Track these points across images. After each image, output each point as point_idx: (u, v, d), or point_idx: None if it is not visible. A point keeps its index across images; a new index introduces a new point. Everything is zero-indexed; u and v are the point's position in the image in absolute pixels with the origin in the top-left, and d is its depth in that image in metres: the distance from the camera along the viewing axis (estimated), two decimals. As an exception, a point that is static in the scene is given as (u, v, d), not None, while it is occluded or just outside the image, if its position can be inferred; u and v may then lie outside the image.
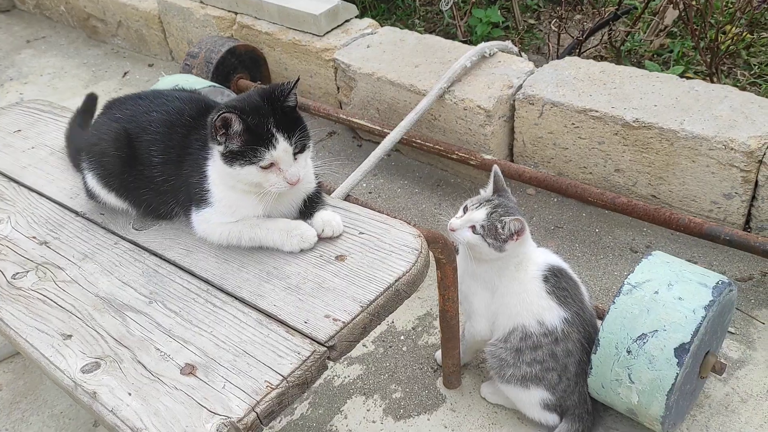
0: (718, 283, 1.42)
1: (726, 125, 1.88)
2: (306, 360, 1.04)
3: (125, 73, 3.41)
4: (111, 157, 1.37)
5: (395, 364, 1.82)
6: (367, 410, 1.71)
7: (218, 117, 1.14)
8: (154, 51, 3.48)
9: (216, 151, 1.22)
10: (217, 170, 1.25)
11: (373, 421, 1.68)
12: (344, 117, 2.50)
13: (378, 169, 2.54)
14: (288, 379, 1.02)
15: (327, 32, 2.71)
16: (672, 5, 2.56)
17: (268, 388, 1.01)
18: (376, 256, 1.23)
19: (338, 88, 2.66)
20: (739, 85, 2.50)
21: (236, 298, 1.19)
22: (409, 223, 1.31)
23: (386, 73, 2.43)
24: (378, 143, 2.17)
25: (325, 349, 1.07)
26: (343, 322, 1.10)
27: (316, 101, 2.68)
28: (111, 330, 1.16)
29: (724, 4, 2.61)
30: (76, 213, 1.52)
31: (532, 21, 3.23)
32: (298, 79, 1.27)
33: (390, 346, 1.87)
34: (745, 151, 1.81)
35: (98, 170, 1.41)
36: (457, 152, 2.23)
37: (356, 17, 2.81)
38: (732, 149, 1.83)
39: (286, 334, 1.10)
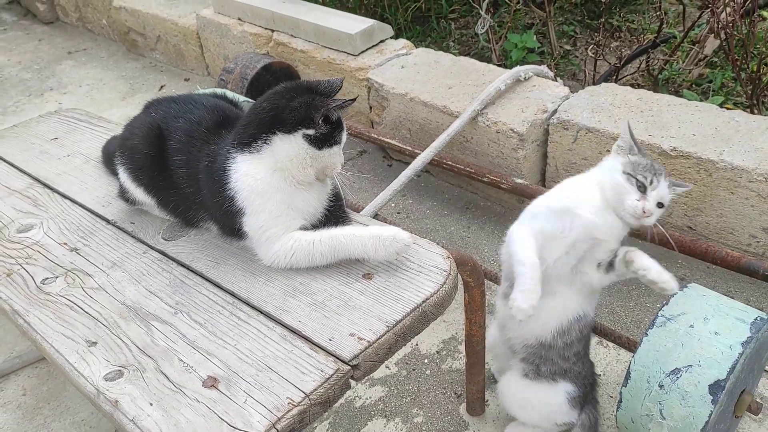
0: (756, 319, 1.37)
1: (767, 157, 1.83)
2: (329, 378, 1.02)
3: (161, 87, 3.47)
4: (141, 153, 1.39)
5: (418, 388, 1.79)
6: (388, 433, 1.68)
7: (323, 107, 1.20)
8: (191, 66, 3.54)
9: (308, 139, 1.22)
10: (275, 161, 1.23)
11: (394, 445, 1.65)
12: (375, 136, 2.49)
13: (407, 189, 2.53)
14: (310, 396, 1.00)
15: (362, 52, 2.72)
16: (713, 35, 2.52)
17: (290, 405, 0.99)
18: (403, 275, 1.21)
19: (371, 108, 2.66)
20: (780, 118, 2.45)
21: (261, 312, 1.18)
22: (438, 244, 1.29)
23: (419, 93, 2.42)
24: (408, 163, 2.16)
25: (349, 367, 1.05)
26: (368, 341, 1.08)
27: (348, 120, 2.69)
28: (136, 339, 1.16)
29: (767, 34, 2.56)
30: (107, 221, 1.53)
31: (568, 47, 3.21)
32: (343, 78, 1.32)
33: (413, 369, 1.84)
34: (787, 184, 1.77)
35: (129, 164, 1.44)
36: (488, 175, 2.21)
37: (391, 38, 2.82)
38: (773, 182, 1.79)
39: (310, 351, 1.08)
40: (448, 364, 1.84)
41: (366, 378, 1.81)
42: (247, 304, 1.21)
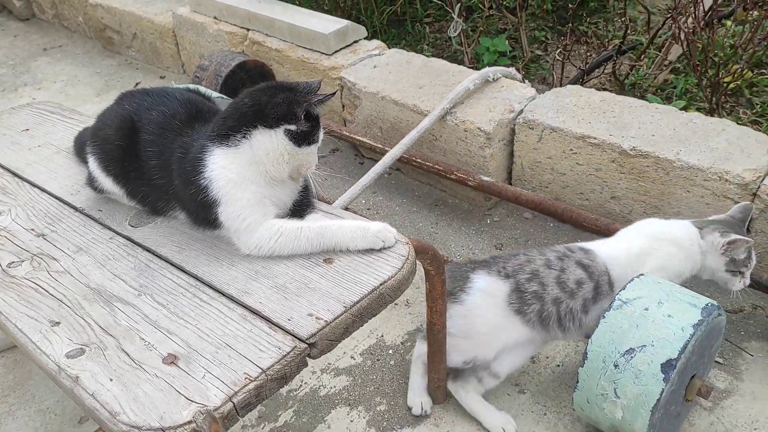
0: (707, 305, 1.43)
1: (722, 157, 1.90)
2: (286, 355, 1.06)
3: (137, 84, 3.47)
4: (113, 144, 1.41)
5: (382, 377, 1.82)
6: (351, 421, 1.71)
7: (306, 102, 1.25)
8: (167, 63, 3.55)
9: (290, 134, 1.25)
10: (252, 155, 1.26)
11: (356, 432, 1.69)
12: (347, 134, 2.53)
13: (378, 186, 2.57)
14: (267, 372, 1.03)
15: (335, 51, 2.76)
16: (676, 42, 2.60)
17: (247, 380, 1.02)
18: (363, 260, 1.25)
19: (343, 106, 2.70)
20: (740, 122, 2.52)
21: (223, 294, 1.21)
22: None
23: (390, 92, 2.47)
24: (389, 164, 2.20)
25: (306, 345, 1.09)
26: (326, 321, 1.11)
27: (322, 118, 2.71)
28: (98, 319, 1.18)
29: (725, 41, 2.65)
30: (75, 208, 1.55)
31: (539, 52, 3.28)
32: (321, 80, 1.39)
33: (378, 359, 1.88)
34: (740, 183, 1.83)
35: (100, 155, 1.46)
36: (455, 173, 2.26)
37: (365, 39, 2.86)
38: (727, 181, 1.85)
39: (268, 330, 1.11)
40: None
41: (330, 368, 1.85)
42: (210, 286, 1.24)
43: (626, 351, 1.41)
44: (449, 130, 2.32)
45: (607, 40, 2.99)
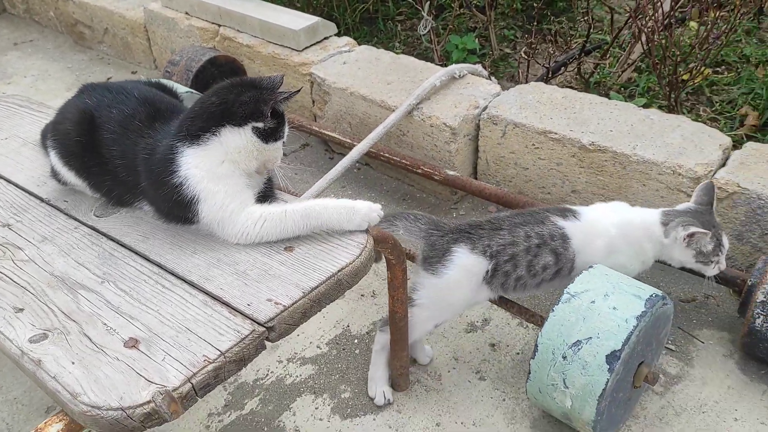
0: (651, 295, 1.48)
1: (676, 152, 1.97)
2: (244, 338, 1.09)
3: (108, 79, 3.47)
4: (72, 140, 1.43)
5: (347, 366, 1.86)
6: (316, 408, 1.75)
7: (272, 100, 1.28)
8: (138, 59, 3.55)
9: (257, 132, 1.29)
10: (224, 153, 1.29)
11: (320, 419, 1.72)
12: (317, 129, 2.57)
13: (347, 181, 2.60)
14: (226, 354, 1.07)
15: (306, 47, 2.80)
16: (637, 41, 2.67)
17: (206, 361, 1.05)
18: (322, 248, 1.29)
19: (313, 102, 2.73)
20: (700, 119, 2.60)
21: (185, 281, 1.24)
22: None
23: (359, 88, 2.51)
24: (357, 159, 2.24)
25: (264, 329, 1.12)
26: (284, 306, 1.15)
27: (292, 113, 2.75)
28: (62, 305, 1.21)
29: (682, 41, 2.73)
30: (41, 199, 1.56)
31: (508, 50, 3.34)
32: (283, 75, 1.42)
33: (344, 349, 1.92)
34: (692, 177, 1.90)
35: (60, 149, 1.47)
36: (422, 167, 2.30)
37: (335, 35, 2.90)
38: (680, 174, 1.92)
39: (228, 315, 1.15)
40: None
41: (296, 358, 1.88)
42: (173, 273, 1.27)
43: (574, 343, 1.46)
44: (416, 125, 2.37)
45: (569, 39, 3.05)
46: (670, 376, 1.76)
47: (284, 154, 1.40)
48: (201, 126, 1.30)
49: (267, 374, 1.85)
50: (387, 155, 2.38)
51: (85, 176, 1.48)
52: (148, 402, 0.99)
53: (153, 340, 1.11)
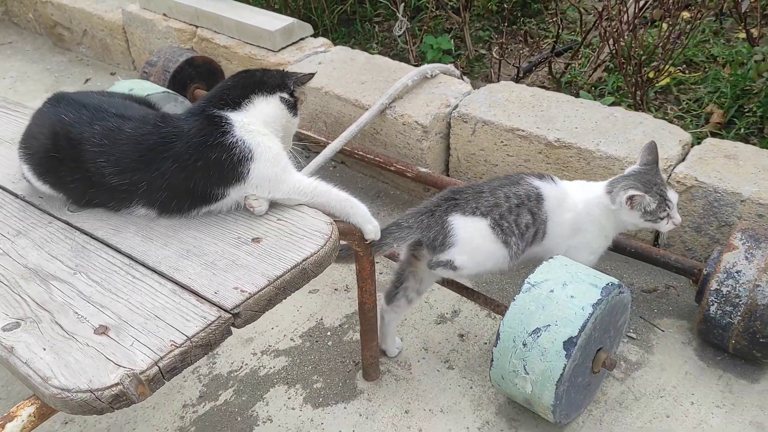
0: (607, 284, 1.55)
1: (638, 148, 2.03)
2: (210, 324, 1.14)
3: (87, 80, 3.50)
4: (48, 155, 1.44)
5: (320, 357, 1.91)
6: (288, 398, 1.80)
7: (307, 78, 1.56)
8: (117, 60, 3.58)
9: (284, 101, 1.53)
10: (258, 115, 1.47)
11: (293, 408, 1.77)
12: (299, 123, 2.61)
13: (322, 178, 2.64)
14: (192, 339, 1.12)
15: (282, 48, 2.84)
16: (605, 42, 2.74)
17: (173, 346, 1.10)
18: (289, 239, 1.34)
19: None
20: (666, 117, 2.68)
21: (155, 272, 1.29)
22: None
23: (333, 88, 2.56)
24: (330, 156, 2.29)
25: (230, 315, 1.17)
26: (250, 293, 1.20)
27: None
28: (35, 296, 1.25)
29: (645, 41, 2.80)
30: (16, 195, 1.59)
31: (483, 51, 3.40)
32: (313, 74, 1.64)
33: (317, 341, 1.96)
34: (652, 171, 1.97)
35: (33, 164, 1.49)
36: (394, 164, 2.36)
37: (311, 36, 2.95)
38: (641, 169, 1.99)
39: (196, 302, 1.19)
40: (349, 336, 1.97)
41: (270, 350, 1.93)
42: (143, 264, 1.31)
43: (533, 331, 1.52)
44: (389, 124, 2.43)
45: (539, 39, 3.12)
46: (631, 363, 1.83)
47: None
48: (239, 94, 1.47)
49: (241, 366, 1.90)
50: (361, 153, 2.43)
51: (62, 189, 1.50)
52: (116, 384, 1.04)
53: (122, 327, 1.15)
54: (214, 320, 1.15)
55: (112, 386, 1.03)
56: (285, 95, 1.52)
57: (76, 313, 1.19)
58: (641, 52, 2.50)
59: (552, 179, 1.74)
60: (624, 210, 1.67)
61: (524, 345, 1.53)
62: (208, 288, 1.22)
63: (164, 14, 3.22)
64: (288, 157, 1.50)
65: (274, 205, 1.46)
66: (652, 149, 1.74)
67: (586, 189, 1.76)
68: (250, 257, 1.30)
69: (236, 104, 1.45)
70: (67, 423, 1.76)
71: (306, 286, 2.10)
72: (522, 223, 1.69)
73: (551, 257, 1.64)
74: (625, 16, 2.55)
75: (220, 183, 1.41)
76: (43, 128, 1.47)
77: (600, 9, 2.60)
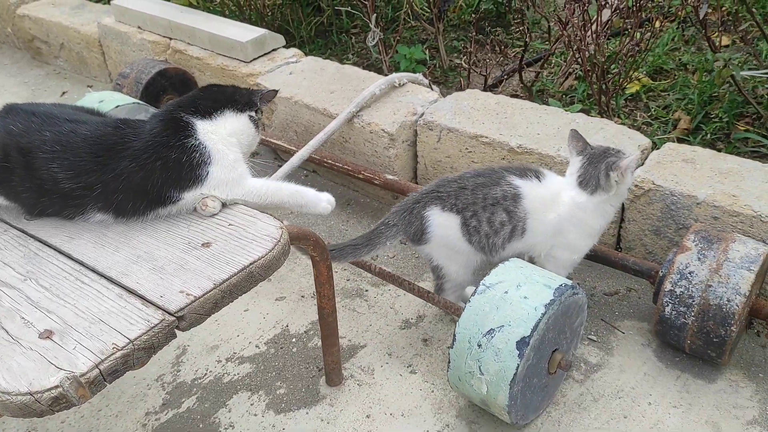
0: (560, 285, 1.57)
1: (597, 153, 2.06)
2: (153, 327, 1.15)
3: (63, 93, 3.52)
4: (0, 168, 1.43)
5: (284, 364, 1.92)
6: (251, 404, 1.81)
7: (271, 96, 1.66)
8: (94, 73, 3.60)
9: (251, 119, 1.61)
10: (225, 127, 1.54)
11: (255, 414, 1.78)
12: (264, 137, 2.63)
13: (293, 188, 2.67)
14: (134, 342, 1.13)
15: (254, 59, 2.87)
16: (570, 51, 2.78)
17: (114, 349, 1.11)
18: (238, 243, 1.35)
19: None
20: (635, 124, 2.71)
21: (104, 277, 1.30)
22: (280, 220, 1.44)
23: (303, 97, 2.58)
24: (298, 165, 2.31)
25: (174, 318, 1.18)
26: (195, 297, 1.21)
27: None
28: (-17, 302, 1.26)
29: (607, 48, 2.84)
30: (-26, 206, 1.60)
31: (458, 61, 3.44)
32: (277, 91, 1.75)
33: (281, 348, 1.97)
34: (612, 175, 2.00)
35: None
36: (363, 172, 2.38)
37: (283, 47, 2.98)
38: (600, 173, 2.01)
39: (141, 306, 1.21)
40: (314, 342, 1.98)
41: (234, 356, 1.94)
42: (93, 270, 1.32)
43: (487, 331, 1.54)
44: (357, 132, 2.45)
45: (506, 47, 3.16)
46: (591, 364, 1.84)
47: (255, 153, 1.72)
48: (210, 105, 1.54)
49: (205, 373, 1.91)
50: (330, 161, 2.46)
51: (15, 200, 1.50)
52: (56, 387, 1.04)
53: (67, 331, 1.16)
54: (158, 323, 1.16)
55: (51, 389, 1.04)
56: (253, 113, 1.61)
57: (23, 318, 1.20)
58: (603, 60, 2.54)
59: (536, 175, 1.79)
60: (627, 179, 1.73)
61: (479, 346, 1.54)
62: (154, 292, 1.24)
63: (139, 27, 3.24)
64: (246, 164, 1.56)
65: (226, 210, 1.47)
66: (577, 134, 1.80)
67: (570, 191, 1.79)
68: (199, 261, 1.31)
69: (206, 114, 1.52)
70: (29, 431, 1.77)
71: (273, 293, 2.15)
72: (496, 221, 1.76)
73: (507, 260, 1.66)
74: (593, 26, 2.59)
75: (177, 185, 1.44)
76: None
77: (563, 19, 2.64)
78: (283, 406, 1.80)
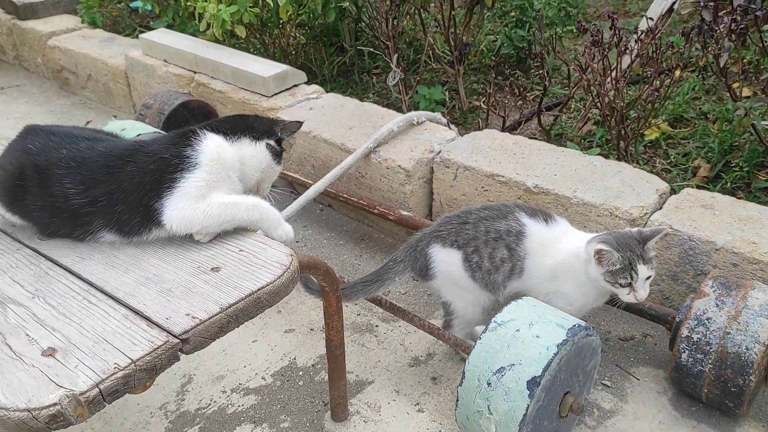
0: (574, 326, 1.53)
1: (614, 195, 2.04)
2: (157, 348, 1.14)
3: (87, 122, 3.58)
4: (14, 186, 1.46)
5: (289, 397, 1.89)
6: (254, 437, 1.77)
7: (295, 127, 1.65)
8: (119, 104, 3.67)
9: (269, 148, 1.60)
10: (238, 151, 1.53)
11: (257, 448, 1.74)
12: (282, 171, 2.65)
13: (309, 221, 2.67)
14: (136, 363, 1.11)
15: (275, 94, 2.91)
16: (589, 96, 2.78)
17: (116, 368, 1.10)
18: (248, 269, 1.34)
19: (286, 143, 2.83)
20: (654, 170, 2.70)
21: (111, 297, 1.29)
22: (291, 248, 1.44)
23: (322, 132, 2.60)
24: (313, 198, 2.32)
25: (178, 341, 1.17)
26: (200, 320, 1.20)
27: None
28: (-10, 318, 1.25)
29: (626, 93, 2.84)
30: (-10, 225, 1.62)
31: (477, 103, 3.46)
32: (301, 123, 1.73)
33: (288, 380, 1.94)
34: (628, 218, 1.97)
35: (0, 194, 1.50)
36: (378, 207, 2.38)
37: (304, 83, 3.02)
38: (617, 216, 1.99)
39: (146, 327, 1.20)
40: (321, 376, 1.95)
41: (240, 388, 1.91)
42: (101, 291, 1.32)
43: (497, 370, 1.50)
44: (373, 167, 2.46)
45: (526, 90, 3.17)
46: (604, 410, 1.79)
47: (274, 185, 1.70)
48: (228, 127, 1.55)
49: (210, 404, 1.88)
50: (345, 196, 2.46)
51: (28, 219, 1.51)
52: (54, 404, 1.03)
53: (70, 349, 1.15)
54: (161, 345, 1.15)
55: (49, 406, 1.03)
56: (271, 142, 1.60)
57: (27, 335, 1.20)
58: (623, 104, 2.53)
59: (547, 219, 1.78)
60: (592, 264, 1.67)
61: (488, 384, 1.50)
62: (161, 314, 1.23)
63: (165, 60, 3.31)
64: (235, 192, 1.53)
65: (237, 236, 1.46)
66: (653, 232, 1.70)
67: (577, 239, 1.75)
68: (207, 285, 1.30)
69: (223, 132, 1.53)
70: (29, 456, 1.74)
71: (282, 325, 2.13)
72: (497, 257, 1.76)
73: (522, 297, 1.64)
74: (612, 72, 2.60)
75: (156, 193, 1.41)
76: (11, 159, 1.50)
77: (583, 63, 2.64)
78: (287, 441, 1.76)
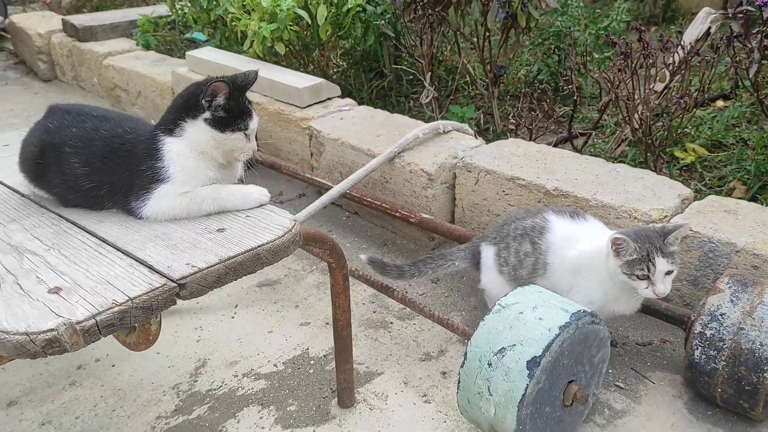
0: (578, 311, 1.51)
1: (634, 198, 2.03)
2: (154, 290, 1.18)
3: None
4: (36, 163, 1.55)
5: (298, 383, 1.90)
6: (260, 418, 1.78)
7: (212, 85, 1.42)
8: (165, 118, 3.83)
9: (200, 121, 1.44)
10: (190, 141, 1.45)
11: (262, 428, 1.75)
12: (309, 176, 2.72)
13: (334, 226, 2.72)
14: (133, 300, 1.16)
15: (309, 105, 3.00)
16: (622, 116, 2.78)
17: (113, 303, 1.14)
18: (251, 230, 1.39)
19: (311, 154, 2.90)
20: (688, 190, 2.65)
21: (120, 250, 1.35)
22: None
23: (349, 139, 2.67)
24: (340, 205, 2.37)
25: (175, 285, 1.21)
26: (198, 268, 1.24)
27: (293, 164, 2.92)
28: (7, 264, 1.32)
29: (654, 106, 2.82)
30: (22, 195, 1.71)
31: (512, 127, 3.49)
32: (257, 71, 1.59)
33: (298, 368, 1.96)
34: (647, 220, 1.95)
35: (26, 171, 1.60)
36: (399, 210, 2.41)
37: (338, 96, 3.11)
38: (636, 218, 1.97)
39: (147, 273, 1.24)
40: (332, 365, 1.96)
41: (252, 373, 1.93)
42: (113, 246, 1.38)
43: (499, 350, 1.49)
44: (397, 172, 2.49)
45: (555, 105, 3.18)
46: (615, 410, 1.74)
47: (257, 148, 1.57)
48: (172, 119, 1.48)
49: (221, 385, 1.90)
50: (369, 200, 2.50)
51: (51, 193, 1.59)
52: (51, 330, 1.08)
53: (74, 288, 1.21)
54: (159, 287, 1.19)
55: (47, 331, 1.08)
56: (206, 115, 1.44)
57: (38, 277, 1.26)
58: (648, 114, 2.52)
59: (572, 215, 1.82)
60: (610, 256, 1.66)
61: (489, 365, 1.49)
62: (163, 263, 1.27)
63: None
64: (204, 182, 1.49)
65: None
66: (676, 227, 1.66)
67: (604, 236, 1.73)
68: (211, 242, 1.35)
69: (171, 130, 1.47)
70: (44, 425, 1.79)
71: (299, 319, 2.16)
72: (521, 252, 1.83)
73: (528, 285, 1.63)
74: (642, 87, 2.60)
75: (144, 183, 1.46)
76: (33, 138, 1.59)
77: (613, 80, 2.64)
78: (291, 422, 1.76)
